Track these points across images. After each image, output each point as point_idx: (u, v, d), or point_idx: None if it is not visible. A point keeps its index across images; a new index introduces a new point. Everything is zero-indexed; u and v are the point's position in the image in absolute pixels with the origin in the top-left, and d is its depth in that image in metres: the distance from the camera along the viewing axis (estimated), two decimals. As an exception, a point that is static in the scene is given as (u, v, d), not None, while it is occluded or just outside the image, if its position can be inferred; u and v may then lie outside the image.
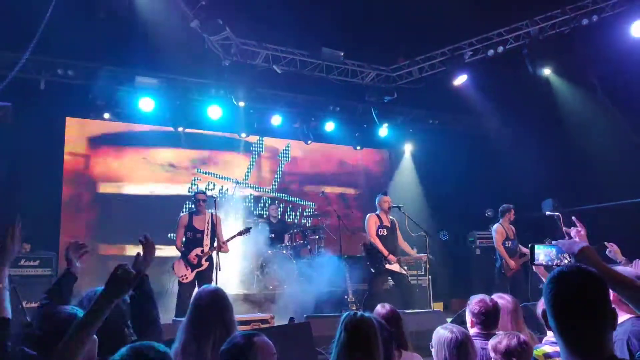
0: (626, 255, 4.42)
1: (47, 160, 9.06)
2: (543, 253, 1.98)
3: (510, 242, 8.25)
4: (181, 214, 8.38)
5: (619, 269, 3.11)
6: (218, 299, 3.04)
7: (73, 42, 8.15)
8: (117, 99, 9.37)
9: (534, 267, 4.29)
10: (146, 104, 9.31)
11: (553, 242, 1.97)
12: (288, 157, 11.78)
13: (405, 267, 7.88)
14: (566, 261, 1.90)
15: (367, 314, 2.43)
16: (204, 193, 7.74)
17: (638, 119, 8.83)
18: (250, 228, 7.77)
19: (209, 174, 10.75)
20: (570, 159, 9.64)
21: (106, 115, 9.38)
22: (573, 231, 2.64)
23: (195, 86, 9.88)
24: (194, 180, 10.61)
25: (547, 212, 8.74)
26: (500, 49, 9.16)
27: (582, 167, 9.34)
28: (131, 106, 9.40)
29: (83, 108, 9.41)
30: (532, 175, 9.89)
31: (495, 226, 8.42)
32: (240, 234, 7.51)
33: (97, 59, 8.92)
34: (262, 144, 11.52)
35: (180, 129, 10.10)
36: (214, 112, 9.82)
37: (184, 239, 7.44)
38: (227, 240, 7.39)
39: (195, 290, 5.32)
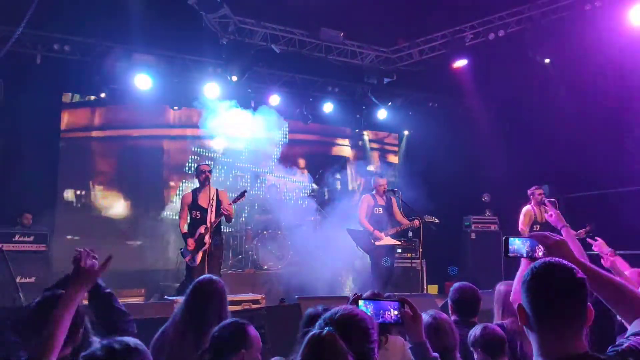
0: (618, 243, 4.42)
1: (42, 137, 8.98)
2: (517, 245, 1.97)
3: (538, 225, 7.78)
4: (184, 193, 8.05)
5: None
6: (217, 292, 3.03)
7: (70, 17, 8.07)
8: (113, 76, 9.25)
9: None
10: (143, 81, 9.20)
11: (527, 234, 1.96)
12: (286, 138, 11.71)
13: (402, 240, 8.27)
14: (540, 254, 1.89)
15: (332, 330, 1.90)
16: (208, 164, 7.14)
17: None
18: (245, 191, 7.15)
19: (206, 151, 10.69)
20: (568, 145, 9.58)
21: (102, 95, 9.30)
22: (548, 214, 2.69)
23: (194, 64, 9.77)
24: (191, 159, 10.57)
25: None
26: (501, 32, 9.05)
27: (579, 155, 9.29)
28: (128, 83, 9.28)
29: (79, 85, 9.36)
30: (529, 160, 9.86)
31: (524, 208, 7.96)
32: (235, 200, 7.00)
33: (95, 34, 8.81)
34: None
35: (175, 108, 10.04)
36: (211, 90, 9.71)
37: (189, 219, 6.97)
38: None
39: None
